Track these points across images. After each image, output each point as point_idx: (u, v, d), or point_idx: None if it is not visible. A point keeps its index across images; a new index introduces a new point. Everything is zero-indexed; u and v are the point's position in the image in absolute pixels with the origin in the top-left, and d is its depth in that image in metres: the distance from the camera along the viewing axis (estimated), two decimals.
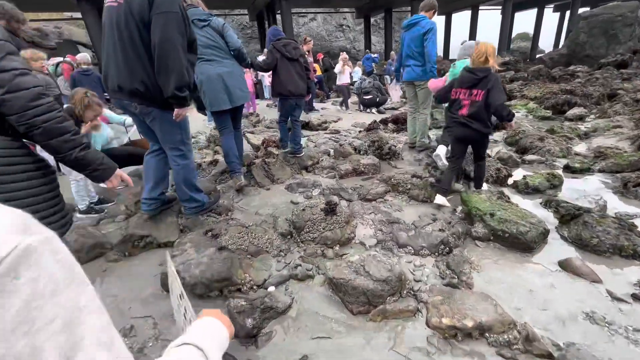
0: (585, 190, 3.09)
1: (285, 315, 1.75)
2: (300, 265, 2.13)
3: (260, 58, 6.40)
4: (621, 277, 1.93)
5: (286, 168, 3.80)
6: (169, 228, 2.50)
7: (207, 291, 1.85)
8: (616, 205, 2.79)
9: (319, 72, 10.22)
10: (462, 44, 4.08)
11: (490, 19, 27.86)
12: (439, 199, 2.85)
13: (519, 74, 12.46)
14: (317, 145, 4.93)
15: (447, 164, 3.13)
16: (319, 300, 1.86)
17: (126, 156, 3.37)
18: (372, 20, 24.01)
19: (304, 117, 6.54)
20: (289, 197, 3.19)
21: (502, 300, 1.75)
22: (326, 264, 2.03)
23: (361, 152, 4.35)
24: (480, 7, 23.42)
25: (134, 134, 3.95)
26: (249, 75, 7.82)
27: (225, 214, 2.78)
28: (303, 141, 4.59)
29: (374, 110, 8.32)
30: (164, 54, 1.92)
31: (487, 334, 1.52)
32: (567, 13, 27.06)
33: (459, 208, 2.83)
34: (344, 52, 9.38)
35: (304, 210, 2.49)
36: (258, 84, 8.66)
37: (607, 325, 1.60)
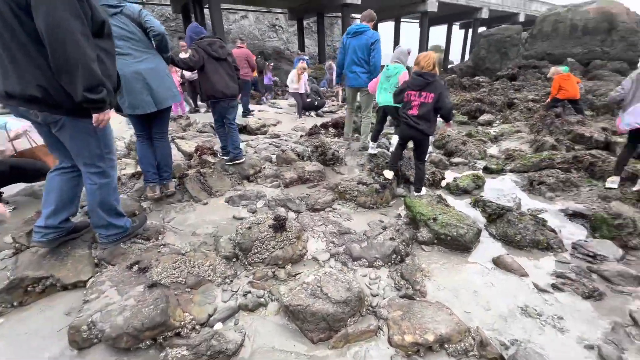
0: (503, 189, 3.52)
1: (237, 358, 1.53)
2: (250, 292, 1.91)
3: (182, 56, 5.82)
4: (541, 269, 2.19)
5: (225, 178, 3.47)
6: (78, 264, 2.00)
7: (135, 343, 1.51)
8: (527, 202, 3.23)
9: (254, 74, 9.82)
10: (395, 50, 4.37)
11: (410, 31, 30.72)
12: (388, 173, 3.28)
13: None
14: (258, 151, 4.66)
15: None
16: (274, 332, 1.68)
17: (7, 171, 2.66)
18: (304, 22, 24.25)
19: (240, 120, 6.16)
20: (230, 211, 2.90)
21: (453, 306, 1.82)
22: (280, 289, 1.86)
23: (304, 158, 4.25)
24: (401, 20, 25.65)
25: (21, 140, 3.15)
26: (174, 74, 7.04)
27: (154, 238, 2.37)
28: (242, 146, 4.28)
29: (312, 113, 8.33)
30: (58, 47, 1.49)
31: (446, 345, 1.55)
32: (470, 31, 31.49)
33: (404, 213, 2.93)
34: (304, 62, 8.80)
35: (250, 228, 2.26)
36: (185, 83, 7.87)
37: (538, 317, 1.79)
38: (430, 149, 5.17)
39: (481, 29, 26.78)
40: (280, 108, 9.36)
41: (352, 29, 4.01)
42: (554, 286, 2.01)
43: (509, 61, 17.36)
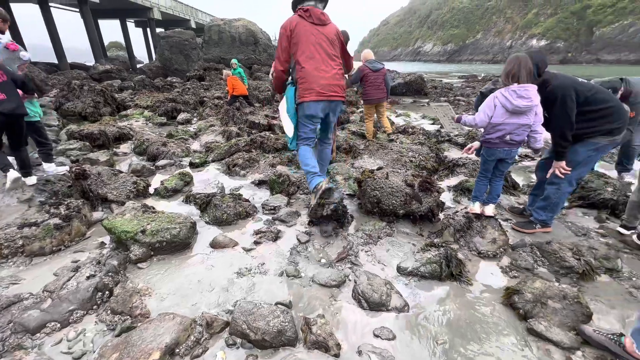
0: (209, 179, 3.89)
1: None
2: None
3: None
4: (246, 234, 2.68)
5: None
6: None
7: None
8: (229, 183, 3.78)
9: None
10: None
11: (71, 22, 24.98)
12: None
13: (127, 83, 12.63)
14: None
15: None
16: None
17: None
18: None
19: None
20: None
21: (180, 306, 1.82)
22: None
23: None
24: (51, 5, 20.05)
25: None
26: None
27: None
28: None
29: None
30: None
31: (177, 350, 1.51)
32: (149, 30, 30.64)
33: (108, 238, 2.47)
34: None
35: None
36: None
37: (249, 272, 2.19)
38: (135, 158, 4.67)
39: (160, 30, 26.91)
40: None
41: None
42: (255, 242, 2.54)
43: (193, 63, 18.90)
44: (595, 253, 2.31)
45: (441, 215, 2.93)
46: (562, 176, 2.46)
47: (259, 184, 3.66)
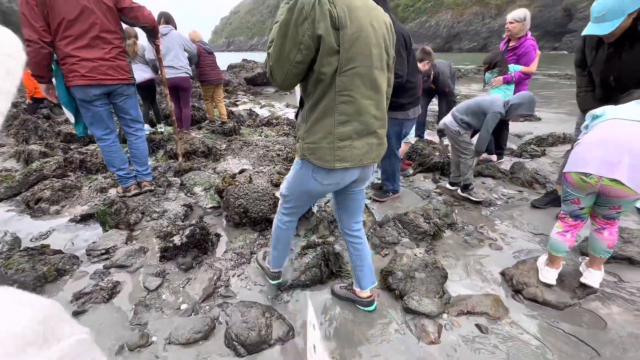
0: None
1: None
2: None
3: None
4: (60, 296, 1.84)
5: None
6: None
7: None
8: (31, 229, 2.60)
9: None
10: None
11: None
12: None
13: None
14: None
15: None
16: None
17: None
18: None
19: None
20: None
21: None
22: None
23: None
24: None
25: None
26: None
27: None
28: None
29: None
30: None
31: None
32: None
33: None
34: None
35: None
36: None
37: None
38: None
39: None
40: None
41: None
42: (75, 313, 1.75)
43: None
44: (438, 213, 2.67)
45: (315, 209, 2.83)
46: None
47: (83, 219, 2.67)
